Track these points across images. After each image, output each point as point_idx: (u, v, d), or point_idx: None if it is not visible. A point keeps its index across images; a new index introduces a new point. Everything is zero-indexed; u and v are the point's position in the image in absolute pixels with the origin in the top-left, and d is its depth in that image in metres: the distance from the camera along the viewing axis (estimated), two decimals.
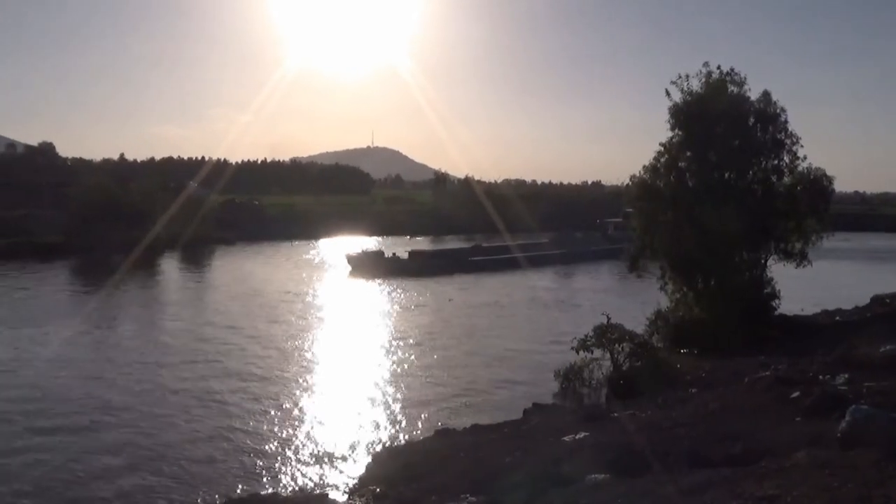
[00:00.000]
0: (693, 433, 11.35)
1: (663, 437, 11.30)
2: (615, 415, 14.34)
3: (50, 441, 17.64)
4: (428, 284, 45.68)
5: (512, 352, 27.32)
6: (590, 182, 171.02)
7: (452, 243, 75.20)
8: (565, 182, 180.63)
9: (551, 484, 9.68)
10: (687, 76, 26.10)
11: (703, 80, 25.97)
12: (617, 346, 20.56)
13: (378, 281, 47.16)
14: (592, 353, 20.62)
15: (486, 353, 27.18)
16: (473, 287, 46.08)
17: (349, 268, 53.03)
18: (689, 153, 26.34)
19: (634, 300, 34.50)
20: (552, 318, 34.53)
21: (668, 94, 26.21)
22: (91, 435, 18.16)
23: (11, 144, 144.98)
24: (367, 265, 51.76)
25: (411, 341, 29.14)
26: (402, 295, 42.00)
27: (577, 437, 12.20)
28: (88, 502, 14.42)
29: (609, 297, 41.50)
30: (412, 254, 56.86)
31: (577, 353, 20.56)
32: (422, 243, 78.14)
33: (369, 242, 74.91)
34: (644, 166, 26.84)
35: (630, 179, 27.28)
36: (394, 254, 54.93)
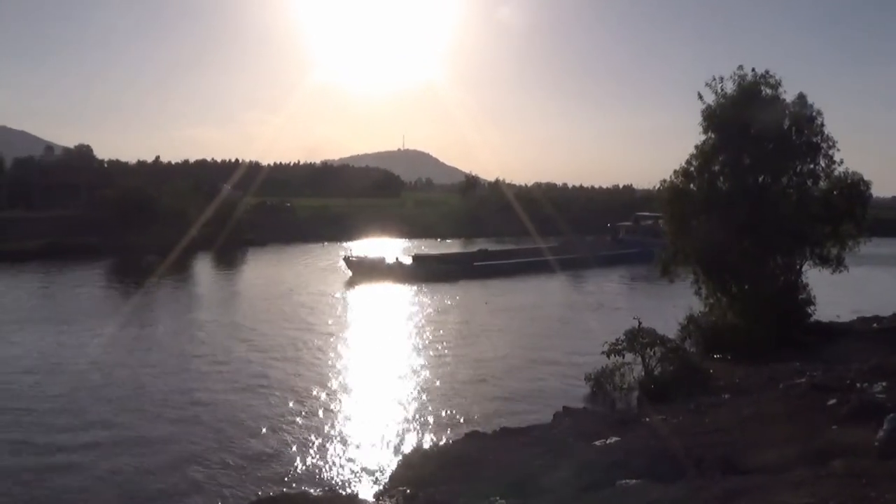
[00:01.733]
0: (726, 439, 11.22)
1: (696, 442, 11.18)
2: (647, 420, 14.20)
3: (86, 437, 17.96)
4: (433, 289, 44.62)
5: (540, 356, 27.15)
6: (621, 186, 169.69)
7: (478, 245, 74.52)
8: (596, 186, 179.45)
9: (581, 489, 9.62)
10: (721, 79, 25.84)
11: (737, 82, 25.68)
12: (648, 350, 20.37)
13: (382, 286, 46.18)
14: (623, 357, 20.46)
15: (513, 356, 27.05)
16: (480, 293, 44.93)
17: (349, 273, 51.09)
18: (722, 157, 26.04)
19: (648, 306, 34.16)
20: (573, 322, 34.40)
21: (700, 97, 25.97)
22: (123, 433, 18.42)
23: (50, 147, 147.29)
24: (367, 270, 49.96)
25: (433, 346, 29.12)
26: (410, 300, 41.79)
27: (608, 441, 12.11)
28: (122, 499, 14.62)
29: (623, 302, 41.19)
30: (416, 258, 55.58)
31: (608, 357, 20.42)
32: (451, 246, 78.21)
33: (399, 244, 75.05)
34: (675, 170, 26.60)
35: (661, 183, 27.04)
36: (396, 258, 53.24)
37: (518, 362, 26.06)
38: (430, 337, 30.77)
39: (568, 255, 59.51)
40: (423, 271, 50.50)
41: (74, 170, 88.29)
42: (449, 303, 40.55)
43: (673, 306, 27.85)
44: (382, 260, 52.19)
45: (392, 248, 67.80)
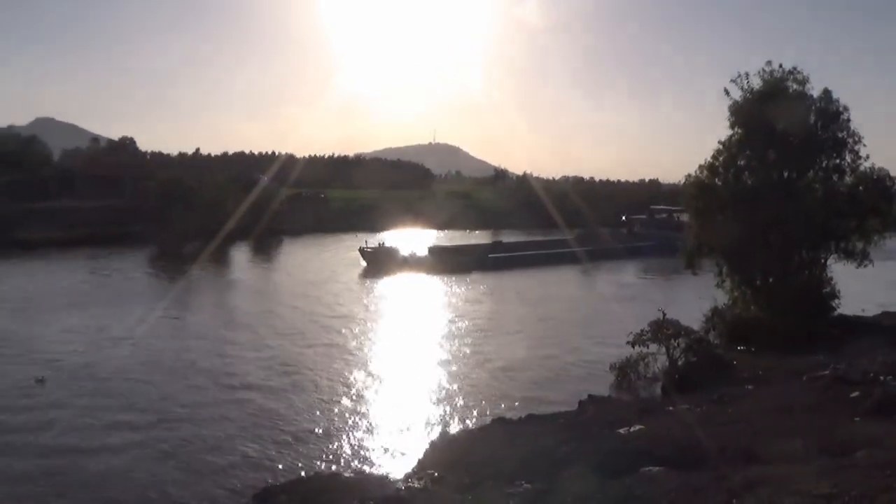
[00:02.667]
0: (749, 429, 11.11)
1: (719, 432, 11.09)
2: (670, 409, 14.13)
3: (137, 416, 18.33)
4: (449, 281, 44.40)
5: (563, 346, 27.11)
6: (647, 180, 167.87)
7: (506, 237, 74.32)
8: (622, 180, 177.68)
9: (606, 475, 9.59)
10: (747, 74, 25.46)
11: (765, 78, 25.28)
12: (673, 341, 20.26)
13: (397, 277, 45.53)
14: (648, 347, 20.37)
15: (536, 346, 27.05)
16: (494, 284, 44.51)
17: (363, 263, 50.45)
18: (748, 151, 25.68)
19: (667, 299, 33.68)
20: (591, 313, 34.37)
21: (727, 92, 25.61)
22: (168, 411, 18.78)
23: (95, 139, 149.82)
24: (382, 261, 49.20)
25: (455, 335, 29.21)
26: (427, 290, 41.81)
27: (632, 429, 12.06)
28: (164, 477, 14.91)
29: (639, 293, 40.80)
30: (431, 250, 54.61)
31: (633, 346, 20.34)
32: (480, 237, 78.11)
33: (429, 236, 75.15)
34: (701, 165, 26.31)
35: (686, 178, 26.76)
36: (412, 250, 52.47)
37: (541, 352, 26.02)
38: (452, 326, 30.84)
39: (584, 247, 58.69)
40: (438, 263, 49.84)
41: (118, 161, 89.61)
42: (467, 293, 40.54)
43: (698, 297, 27.64)
44: (397, 251, 51.46)
45: (420, 238, 67.87)
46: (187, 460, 15.69)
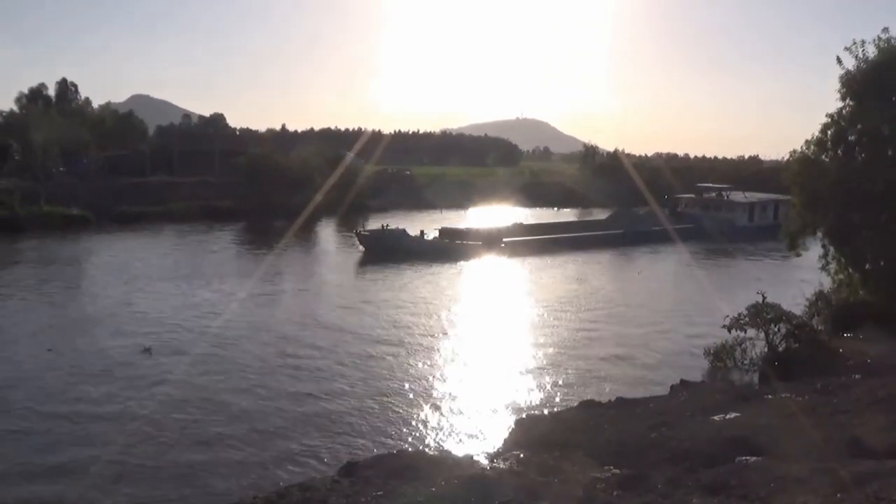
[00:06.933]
0: (856, 421, 10.62)
1: (822, 422, 10.66)
2: (769, 397, 13.66)
3: (232, 385, 19.13)
4: (459, 268, 41.22)
5: (652, 329, 26.69)
6: (746, 157, 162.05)
7: (563, 217, 72.58)
8: (720, 156, 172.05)
9: (699, 462, 9.37)
10: (863, 42, 24.03)
11: (881, 46, 23.83)
12: (773, 326, 19.57)
13: (398, 266, 40.07)
14: (745, 332, 19.75)
15: (625, 328, 26.78)
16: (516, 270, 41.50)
17: (361, 249, 45.61)
18: (859, 126, 24.33)
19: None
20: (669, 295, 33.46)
21: (839, 61, 24.27)
22: (276, 386, 19.63)
23: (187, 115, 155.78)
24: (383, 247, 43.87)
25: (548, 314, 29.14)
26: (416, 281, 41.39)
27: (728, 416, 11.73)
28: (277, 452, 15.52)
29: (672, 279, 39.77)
30: (443, 232, 49.27)
31: (729, 331, 19.77)
32: (567, 215, 77.25)
33: (516, 213, 74.82)
34: (807, 140, 25.08)
35: (791, 154, 25.61)
36: (421, 231, 47.23)
37: (628, 334, 25.71)
38: (534, 307, 30.71)
39: (615, 230, 54.78)
40: (445, 248, 45.38)
41: (209, 137, 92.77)
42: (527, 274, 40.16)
43: (801, 280, 26.66)
44: (403, 233, 45.97)
45: (504, 216, 67.43)
46: (277, 432, 16.29)
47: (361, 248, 45.68)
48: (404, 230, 46.54)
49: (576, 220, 64.32)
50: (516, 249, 46.82)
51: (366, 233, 46.71)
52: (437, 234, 48.95)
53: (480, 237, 48.11)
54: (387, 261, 40.84)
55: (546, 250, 47.03)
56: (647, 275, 40.71)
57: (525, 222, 58.27)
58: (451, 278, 38.10)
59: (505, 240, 48.72)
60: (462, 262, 42.47)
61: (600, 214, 68.37)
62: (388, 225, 47.26)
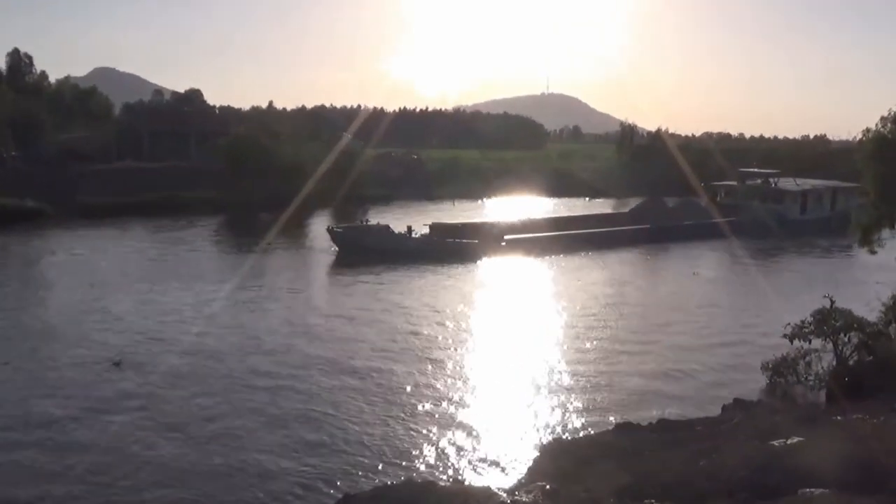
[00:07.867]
0: None
1: None
2: (838, 418, 13.64)
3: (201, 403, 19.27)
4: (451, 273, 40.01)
5: (698, 339, 26.71)
6: (812, 136, 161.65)
7: (582, 210, 70.93)
8: (781, 136, 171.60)
9: (756, 495, 9.40)
10: None
11: None
12: (842, 335, 19.56)
13: (379, 268, 39.31)
14: (810, 342, 19.73)
15: (666, 337, 26.95)
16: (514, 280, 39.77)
17: (334, 248, 44.76)
18: None
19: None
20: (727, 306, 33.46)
21: None
22: (261, 407, 19.77)
23: (158, 91, 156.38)
24: (360, 246, 42.84)
25: (572, 324, 29.33)
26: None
27: (790, 441, 11.71)
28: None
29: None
30: (434, 228, 48.40)
31: (791, 341, 19.76)
32: (602, 206, 77.06)
33: (540, 203, 74.78)
34: (883, 116, 24.99)
35: (864, 133, 25.53)
36: (408, 228, 45.85)
37: (672, 346, 25.76)
38: (569, 316, 30.75)
39: (640, 224, 53.95)
40: (435, 248, 44.34)
41: (184, 116, 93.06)
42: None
43: (876, 282, 26.62)
44: (385, 230, 44.88)
45: (525, 207, 67.34)
46: (262, 461, 16.39)
47: (335, 247, 44.96)
48: (387, 226, 45.72)
49: (593, 213, 63.01)
50: (520, 248, 46.15)
51: (339, 229, 45.73)
52: (426, 230, 48.33)
53: (477, 234, 47.08)
54: (364, 263, 40.09)
55: (555, 249, 46.33)
56: (684, 277, 40.56)
57: (532, 217, 57.19)
58: (440, 283, 37.65)
59: (507, 237, 47.81)
60: (455, 265, 41.56)
61: (628, 205, 67.80)
62: (367, 220, 46.85)
